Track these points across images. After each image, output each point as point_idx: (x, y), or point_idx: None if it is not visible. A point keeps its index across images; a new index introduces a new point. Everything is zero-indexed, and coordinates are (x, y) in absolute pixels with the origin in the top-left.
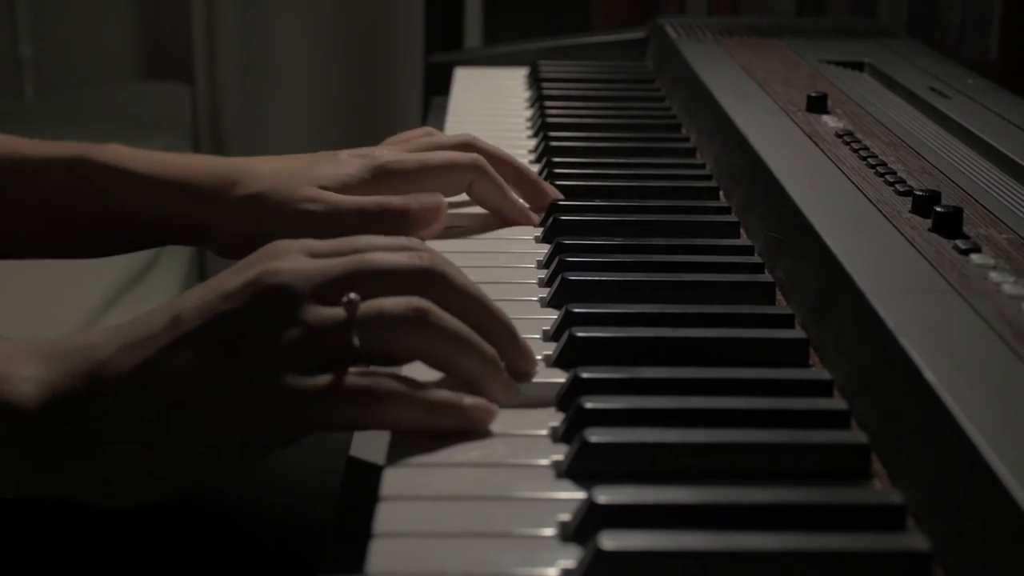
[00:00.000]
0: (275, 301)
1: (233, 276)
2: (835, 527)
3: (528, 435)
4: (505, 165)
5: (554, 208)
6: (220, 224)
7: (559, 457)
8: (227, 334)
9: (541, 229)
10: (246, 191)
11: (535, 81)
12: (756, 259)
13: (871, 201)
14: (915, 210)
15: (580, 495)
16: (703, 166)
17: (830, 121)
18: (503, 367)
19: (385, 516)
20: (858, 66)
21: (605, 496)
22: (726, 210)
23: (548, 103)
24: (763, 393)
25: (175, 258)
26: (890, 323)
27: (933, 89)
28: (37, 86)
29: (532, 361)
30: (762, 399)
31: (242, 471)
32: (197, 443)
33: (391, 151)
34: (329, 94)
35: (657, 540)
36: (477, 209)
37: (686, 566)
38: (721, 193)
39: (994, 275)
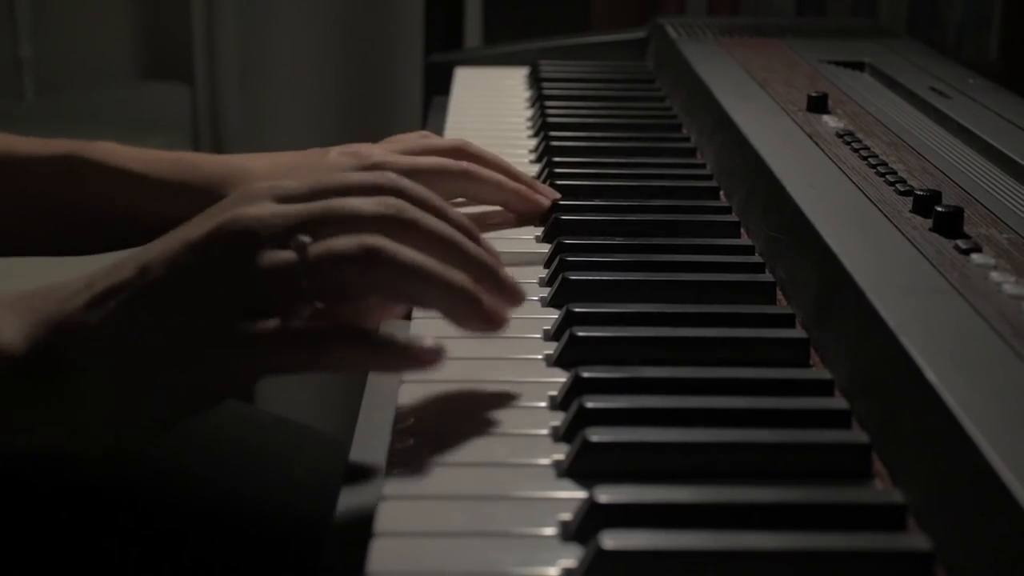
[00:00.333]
0: (234, 248)
1: (199, 224)
2: (836, 527)
3: (528, 435)
4: (498, 169)
5: (555, 208)
6: None
7: (560, 456)
8: (189, 283)
9: (541, 229)
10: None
11: (535, 81)
12: (756, 259)
13: (872, 201)
14: (916, 210)
15: (581, 494)
16: (703, 166)
17: (831, 121)
18: (480, 297)
19: (385, 516)
20: (858, 66)
21: (606, 495)
22: (727, 210)
23: (548, 103)
24: (764, 393)
25: None
26: (891, 323)
27: (933, 89)
28: (37, 86)
29: (516, 294)
30: (763, 399)
31: (206, 412)
32: (160, 388)
33: (382, 151)
34: (329, 94)
35: (658, 539)
36: (477, 209)
37: (687, 565)
38: (722, 193)
39: (995, 275)
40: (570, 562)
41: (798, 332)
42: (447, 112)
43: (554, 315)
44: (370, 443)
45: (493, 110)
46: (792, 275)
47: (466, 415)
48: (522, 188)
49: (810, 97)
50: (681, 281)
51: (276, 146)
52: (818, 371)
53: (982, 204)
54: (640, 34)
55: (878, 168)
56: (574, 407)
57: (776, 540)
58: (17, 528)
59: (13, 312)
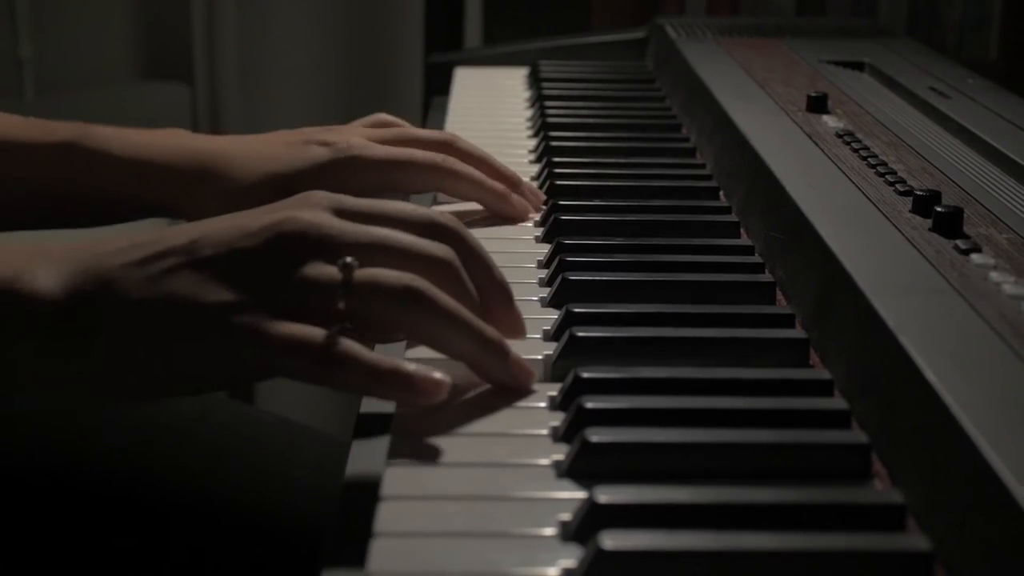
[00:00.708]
0: (286, 250)
1: (259, 216)
2: (835, 527)
3: (528, 435)
4: (482, 166)
5: (554, 208)
6: (195, 213)
7: (559, 457)
8: (235, 266)
9: (541, 229)
10: (219, 187)
11: (535, 81)
12: (756, 259)
13: (871, 201)
14: (915, 210)
15: (581, 495)
16: (703, 166)
17: (830, 121)
18: (506, 353)
19: (385, 515)
20: (858, 66)
21: (606, 496)
22: (726, 210)
23: (548, 103)
24: (763, 393)
25: None
26: (890, 323)
27: (933, 89)
28: (37, 86)
29: (529, 375)
30: (762, 399)
31: (206, 413)
32: (170, 357)
33: (360, 141)
34: (329, 94)
35: (658, 540)
36: (477, 209)
37: (687, 566)
38: (721, 193)
39: (994, 275)
40: (570, 562)
41: (798, 332)
42: (447, 112)
43: (554, 315)
44: (370, 443)
45: (493, 110)
46: (792, 275)
47: (466, 415)
48: (500, 188)
49: (810, 97)
50: (681, 281)
51: None
52: (818, 371)
53: (982, 204)
54: (640, 34)
55: (878, 168)
56: (574, 407)
57: (776, 540)
58: (17, 528)
59: (51, 261)
